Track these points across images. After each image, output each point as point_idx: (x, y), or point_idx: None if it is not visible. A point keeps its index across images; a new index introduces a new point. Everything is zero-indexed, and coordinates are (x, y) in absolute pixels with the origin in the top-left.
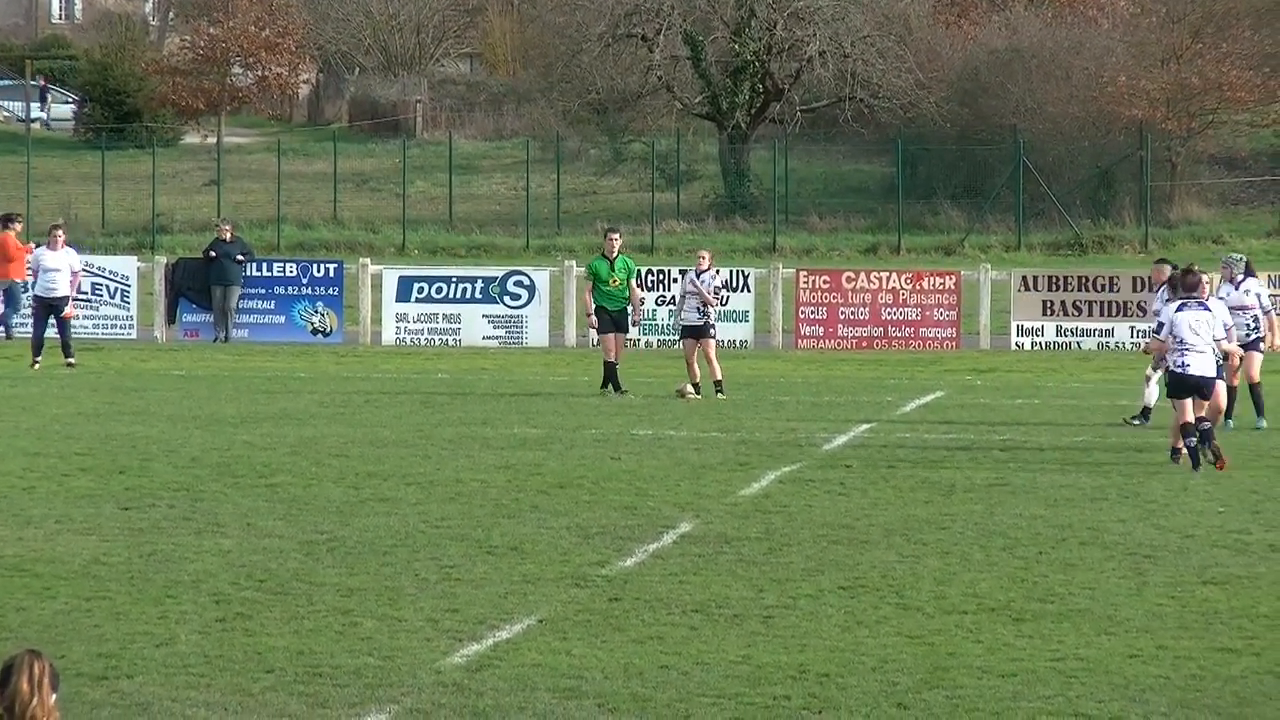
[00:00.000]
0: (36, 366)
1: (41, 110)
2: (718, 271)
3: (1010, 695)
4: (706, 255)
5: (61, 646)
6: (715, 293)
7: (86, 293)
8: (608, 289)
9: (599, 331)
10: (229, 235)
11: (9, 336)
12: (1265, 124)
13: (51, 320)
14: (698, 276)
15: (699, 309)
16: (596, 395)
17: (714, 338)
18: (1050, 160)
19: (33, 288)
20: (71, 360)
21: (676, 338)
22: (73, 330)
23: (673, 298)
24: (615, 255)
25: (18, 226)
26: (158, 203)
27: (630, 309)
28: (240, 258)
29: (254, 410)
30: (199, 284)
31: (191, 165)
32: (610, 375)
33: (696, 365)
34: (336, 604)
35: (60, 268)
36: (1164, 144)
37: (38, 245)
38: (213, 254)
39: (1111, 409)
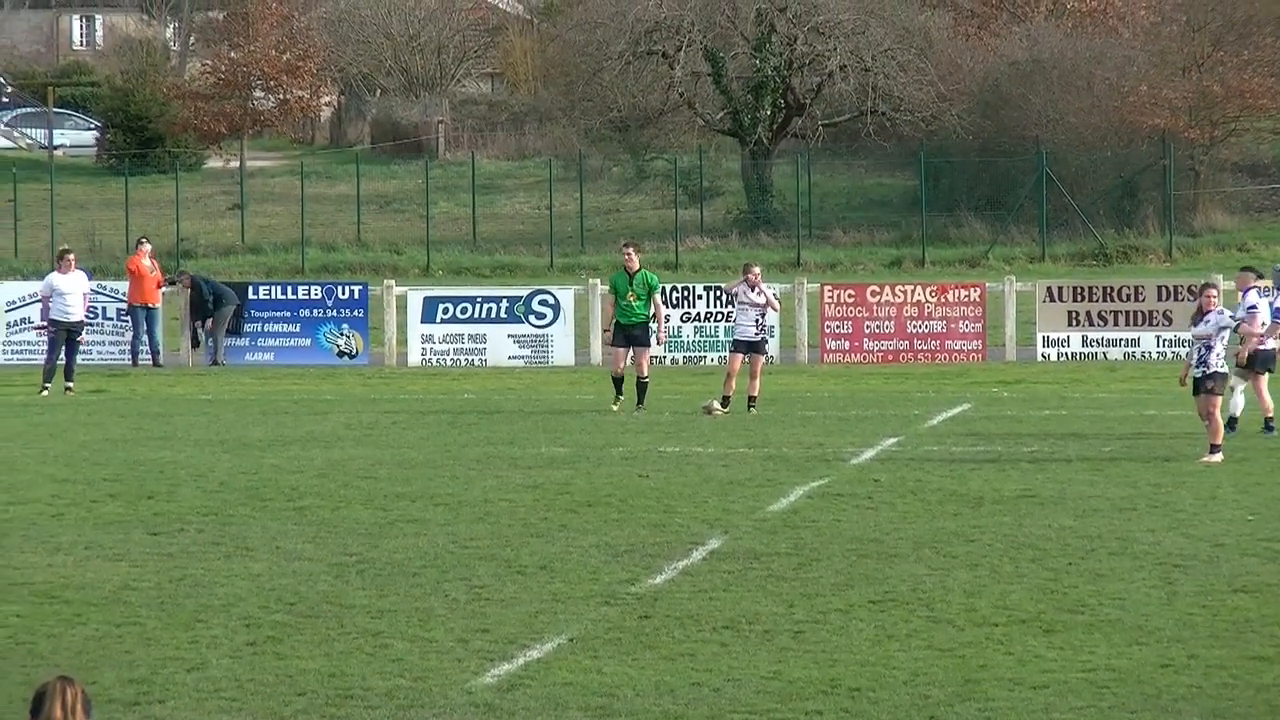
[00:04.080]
0: (45, 393)
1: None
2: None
3: (1042, 707)
4: (757, 268)
5: (93, 673)
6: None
7: (112, 318)
8: (625, 304)
9: (612, 345)
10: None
11: (135, 363)
12: None
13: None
14: (751, 290)
15: (757, 321)
16: (630, 413)
17: (767, 354)
18: (1073, 170)
19: (49, 313)
20: (70, 385)
21: (701, 354)
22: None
23: (698, 314)
24: (635, 270)
25: (147, 249)
26: (182, 227)
27: (655, 325)
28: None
29: (281, 433)
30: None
31: (215, 189)
32: (616, 385)
33: (736, 380)
34: (367, 626)
35: (74, 291)
36: (1187, 153)
37: (166, 273)
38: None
39: (1139, 419)
